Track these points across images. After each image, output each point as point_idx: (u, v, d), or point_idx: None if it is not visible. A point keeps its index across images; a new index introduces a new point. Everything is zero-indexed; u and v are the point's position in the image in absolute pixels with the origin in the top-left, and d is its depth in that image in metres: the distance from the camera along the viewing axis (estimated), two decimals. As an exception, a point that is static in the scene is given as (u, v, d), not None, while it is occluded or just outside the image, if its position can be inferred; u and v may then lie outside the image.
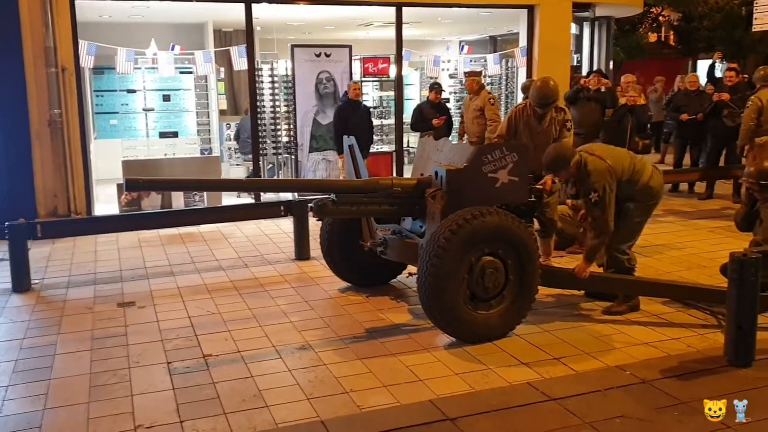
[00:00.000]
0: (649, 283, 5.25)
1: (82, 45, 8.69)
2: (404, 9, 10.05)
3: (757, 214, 5.39)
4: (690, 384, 3.91)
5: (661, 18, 25.65)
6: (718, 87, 10.00)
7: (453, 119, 10.00)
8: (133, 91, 11.14)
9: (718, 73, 11.20)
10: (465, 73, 9.11)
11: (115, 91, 11.23)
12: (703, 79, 11.75)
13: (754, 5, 11.19)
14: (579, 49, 13.26)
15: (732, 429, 3.38)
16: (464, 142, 8.76)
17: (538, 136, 5.94)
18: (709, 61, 13.54)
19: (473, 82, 8.62)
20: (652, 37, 26.35)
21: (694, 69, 25.30)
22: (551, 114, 5.94)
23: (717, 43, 22.35)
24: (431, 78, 11.66)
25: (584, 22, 13.11)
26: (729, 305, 4.14)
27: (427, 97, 9.52)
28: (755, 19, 11.12)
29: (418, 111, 9.53)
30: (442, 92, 9.81)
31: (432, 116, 9.20)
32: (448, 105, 10.74)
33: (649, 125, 10.40)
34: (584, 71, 12.43)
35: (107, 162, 10.63)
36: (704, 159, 10.24)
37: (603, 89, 9.12)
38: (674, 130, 10.93)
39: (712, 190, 9.86)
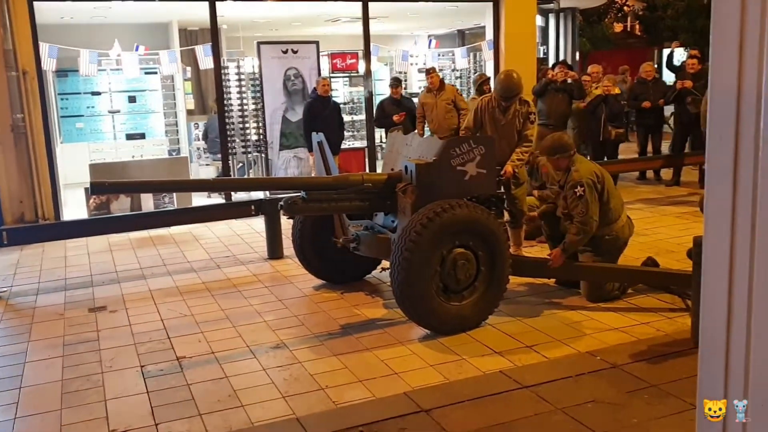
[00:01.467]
0: (619, 270, 5.33)
1: (43, 47, 8.52)
2: (370, 4, 10.04)
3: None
4: (659, 367, 3.99)
5: (626, 8, 25.95)
6: (681, 74, 10.17)
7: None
8: (98, 94, 10.96)
9: (676, 62, 11.41)
10: (427, 70, 9.04)
11: (80, 93, 11.03)
12: (663, 69, 11.94)
13: None
14: (545, 41, 13.41)
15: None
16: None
17: (502, 128, 6.02)
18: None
19: (437, 77, 8.61)
20: (618, 28, 26.64)
21: (660, 58, 25.65)
22: (515, 106, 6.01)
23: (681, 32, 22.66)
24: (399, 72, 11.66)
25: (549, 14, 13.26)
26: (694, 288, 4.23)
27: (390, 93, 9.36)
28: None
29: (380, 107, 9.43)
30: (403, 86, 9.72)
31: (393, 112, 9.10)
32: (415, 100, 10.71)
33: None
34: (551, 62, 12.58)
35: (74, 166, 10.47)
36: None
37: (570, 80, 9.24)
38: (635, 119, 11.11)
39: (678, 177, 10.03)
